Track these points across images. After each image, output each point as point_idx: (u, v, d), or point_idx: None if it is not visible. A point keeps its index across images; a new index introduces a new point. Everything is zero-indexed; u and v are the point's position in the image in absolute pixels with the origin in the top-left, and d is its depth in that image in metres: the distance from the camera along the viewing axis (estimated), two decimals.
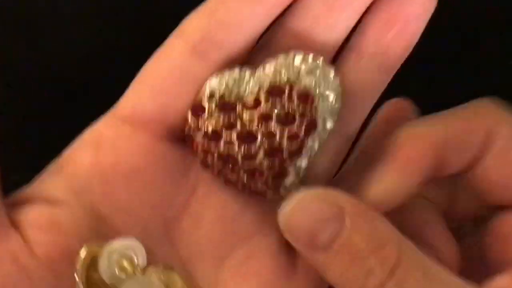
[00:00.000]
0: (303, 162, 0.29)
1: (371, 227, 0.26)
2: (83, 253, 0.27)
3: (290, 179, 0.30)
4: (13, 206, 0.28)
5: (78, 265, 0.27)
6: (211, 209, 0.30)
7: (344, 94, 0.29)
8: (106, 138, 0.29)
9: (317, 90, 0.29)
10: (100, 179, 0.29)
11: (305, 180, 0.30)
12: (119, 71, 0.30)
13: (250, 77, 0.29)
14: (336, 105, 0.29)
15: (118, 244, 0.27)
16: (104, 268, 0.27)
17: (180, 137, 0.30)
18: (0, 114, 0.27)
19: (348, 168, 0.32)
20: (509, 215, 0.29)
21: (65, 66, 0.30)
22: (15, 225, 0.28)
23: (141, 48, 0.30)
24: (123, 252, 0.27)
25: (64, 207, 0.28)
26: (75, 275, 0.27)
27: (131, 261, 0.27)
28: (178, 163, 0.30)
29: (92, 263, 0.27)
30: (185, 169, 0.30)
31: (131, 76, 0.30)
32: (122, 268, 0.27)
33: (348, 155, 0.32)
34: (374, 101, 0.31)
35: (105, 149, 0.29)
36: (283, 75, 0.29)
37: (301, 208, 0.26)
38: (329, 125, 0.29)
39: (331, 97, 0.29)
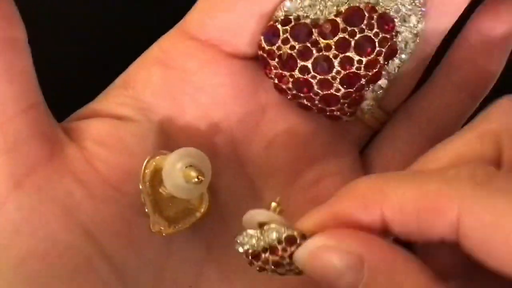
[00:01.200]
0: (382, 84, 0.28)
1: (388, 279, 0.22)
2: (147, 163, 0.26)
3: (367, 102, 0.29)
4: (75, 121, 0.28)
5: (142, 176, 0.26)
6: (282, 131, 0.29)
7: (426, 15, 0.27)
8: (174, 55, 0.28)
9: (400, 12, 0.27)
10: (168, 97, 0.28)
11: (383, 100, 0.29)
12: (118, 72, 0.29)
13: None
14: (419, 28, 0.27)
15: (181, 153, 0.26)
16: (168, 177, 0.26)
17: (249, 56, 0.29)
18: None
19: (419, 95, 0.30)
20: None
21: (63, 67, 0.28)
22: (74, 136, 0.27)
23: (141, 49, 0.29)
24: (187, 160, 0.26)
25: (129, 123, 0.27)
26: (140, 185, 0.26)
27: (195, 168, 0.26)
28: (247, 82, 0.29)
29: (156, 174, 0.26)
30: (255, 88, 0.29)
31: None
32: (187, 176, 0.26)
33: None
34: (455, 19, 0.29)
35: (174, 67, 0.28)
36: None
37: (317, 257, 0.23)
38: (410, 48, 0.28)
39: (414, 19, 0.27)
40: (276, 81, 0.28)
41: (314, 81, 0.27)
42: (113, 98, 0.28)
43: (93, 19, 0.35)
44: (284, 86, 0.28)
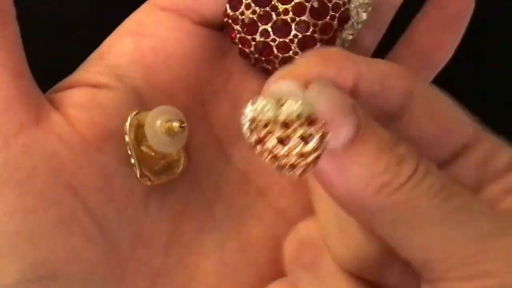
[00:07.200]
0: None
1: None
2: (130, 118, 0.28)
3: None
4: (56, 91, 0.30)
5: (126, 127, 0.28)
6: (248, 93, 0.32)
7: None
8: (146, 25, 0.31)
9: None
10: (141, 64, 0.30)
11: None
12: None
13: None
14: None
15: (160, 110, 0.28)
16: (150, 132, 0.28)
17: (216, 25, 0.31)
18: None
19: None
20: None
21: (62, 67, 0.31)
22: (57, 106, 0.29)
23: None
24: (166, 116, 0.28)
25: (106, 89, 0.29)
26: (126, 138, 0.28)
27: (176, 119, 0.28)
28: (215, 48, 0.31)
29: (139, 130, 0.28)
30: (222, 54, 0.31)
31: None
32: (170, 128, 0.28)
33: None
34: None
35: (146, 36, 0.30)
36: None
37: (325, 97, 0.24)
38: (363, 17, 0.30)
39: None
40: (240, 45, 0.30)
41: (274, 44, 0.30)
42: (90, 69, 0.30)
43: (91, 18, 0.37)
44: (247, 50, 0.30)
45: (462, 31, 0.32)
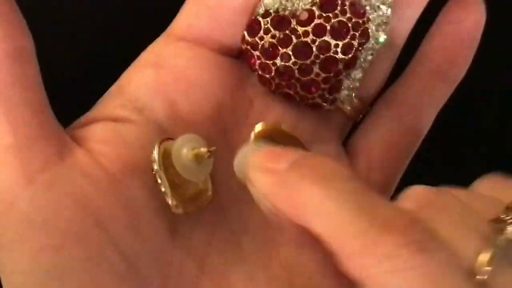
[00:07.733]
0: (357, 74, 0.30)
1: None
2: (156, 145, 0.28)
3: (345, 92, 0.31)
4: (77, 128, 0.29)
5: (154, 155, 0.28)
6: (269, 121, 0.31)
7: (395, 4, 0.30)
8: (165, 56, 0.30)
9: (370, 2, 0.30)
10: (162, 96, 0.30)
11: (359, 92, 0.31)
12: (119, 72, 0.31)
13: None
14: (388, 16, 0.30)
15: (185, 138, 0.28)
16: (178, 161, 0.28)
17: (235, 53, 0.31)
18: None
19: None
20: None
21: (63, 67, 0.30)
22: (79, 142, 0.28)
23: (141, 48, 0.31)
24: (191, 144, 0.28)
25: (128, 123, 0.29)
26: (154, 166, 0.28)
27: (203, 148, 0.28)
28: (235, 77, 0.31)
29: (166, 158, 0.28)
30: (242, 82, 0.31)
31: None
32: (197, 155, 0.28)
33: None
34: (421, 10, 0.31)
35: (165, 67, 0.30)
36: None
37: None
38: (382, 37, 0.30)
39: (383, 8, 0.30)
40: (260, 72, 0.30)
41: (295, 67, 0.29)
42: (110, 103, 0.30)
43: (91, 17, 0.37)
44: (267, 76, 0.30)
45: (476, 46, 0.32)
